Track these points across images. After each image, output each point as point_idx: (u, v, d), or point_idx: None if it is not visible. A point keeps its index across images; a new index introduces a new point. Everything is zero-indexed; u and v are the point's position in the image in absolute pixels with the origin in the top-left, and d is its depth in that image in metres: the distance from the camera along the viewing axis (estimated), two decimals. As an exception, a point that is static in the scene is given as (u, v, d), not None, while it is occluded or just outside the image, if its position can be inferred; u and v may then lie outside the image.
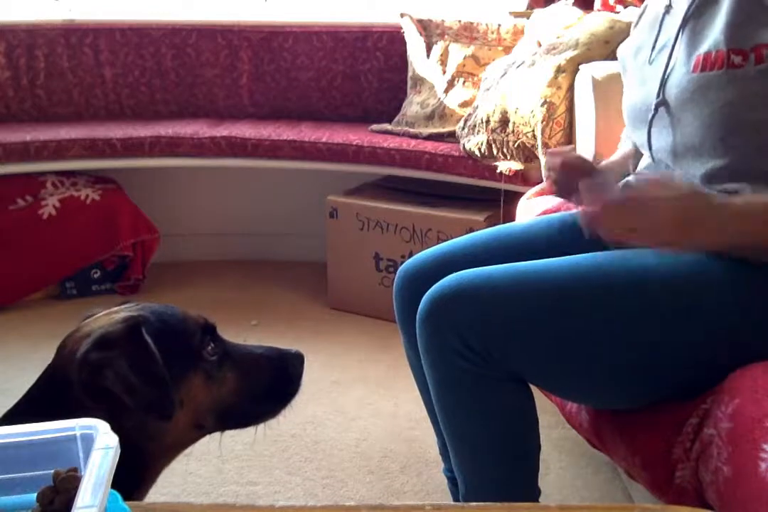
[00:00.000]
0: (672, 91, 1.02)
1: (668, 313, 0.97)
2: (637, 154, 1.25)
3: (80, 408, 0.69)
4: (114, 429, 0.57)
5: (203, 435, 0.86)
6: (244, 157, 2.54)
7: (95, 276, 2.60)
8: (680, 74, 1.01)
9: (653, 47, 1.10)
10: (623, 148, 1.31)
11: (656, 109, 1.07)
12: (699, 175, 1.02)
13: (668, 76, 1.05)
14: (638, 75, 1.12)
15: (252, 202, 2.94)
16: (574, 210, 1.43)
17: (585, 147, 1.92)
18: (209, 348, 0.82)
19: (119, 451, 0.56)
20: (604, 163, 1.26)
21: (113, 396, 0.73)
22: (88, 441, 0.59)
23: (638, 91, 1.11)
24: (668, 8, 1.10)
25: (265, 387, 0.86)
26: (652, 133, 1.10)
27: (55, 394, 0.76)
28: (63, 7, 2.96)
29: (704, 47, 0.98)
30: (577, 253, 1.09)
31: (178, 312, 0.84)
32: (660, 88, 1.06)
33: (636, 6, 2.18)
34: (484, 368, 1.00)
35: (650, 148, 1.12)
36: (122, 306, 0.85)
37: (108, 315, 0.82)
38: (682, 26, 1.04)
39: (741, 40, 0.94)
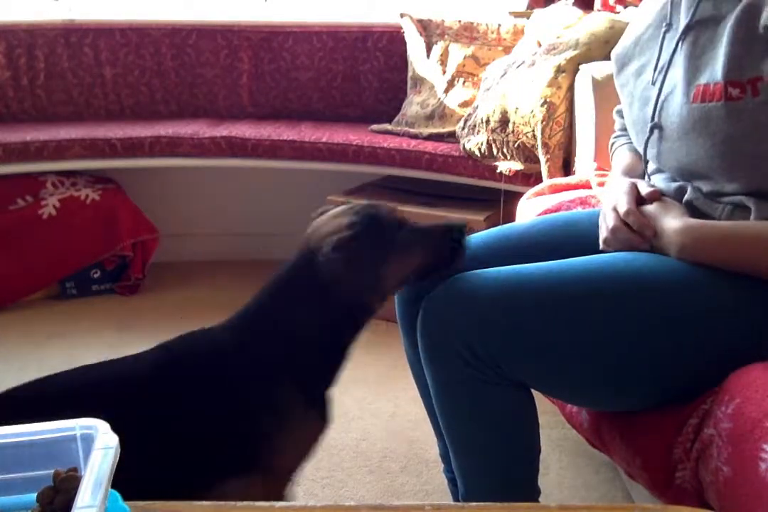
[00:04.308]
0: (673, 119, 1.02)
1: (669, 316, 0.97)
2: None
3: (323, 291, 1.02)
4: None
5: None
6: (244, 157, 2.54)
7: (95, 276, 2.61)
8: (680, 103, 1.00)
9: (655, 68, 1.09)
10: (624, 159, 1.27)
11: (651, 131, 1.08)
12: (705, 191, 1.02)
13: (665, 101, 1.05)
14: (641, 95, 1.11)
15: (252, 202, 2.95)
16: (574, 209, 1.43)
17: (585, 147, 1.92)
18: (401, 234, 1.05)
19: (119, 451, 0.56)
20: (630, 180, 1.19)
21: (345, 282, 1.02)
22: (88, 441, 0.59)
23: (641, 112, 1.11)
24: (668, 27, 1.09)
25: (443, 253, 1.07)
26: (652, 153, 1.11)
27: (303, 282, 1.05)
28: (63, 7, 2.96)
29: (704, 78, 0.97)
30: (578, 254, 1.08)
31: (383, 212, 1.07)
32: (654, 112, 1.07)
33: (635, 6, 2.18)
34: (485, 371, 1.00)
35: (656, 162, 1.13)
36: (343, 209, 1.09)
37: (336, 218, 1.06)
38: (678, 47, 1.03)
39: (738, 73, 0.93)
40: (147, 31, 2.81)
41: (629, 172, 1.20)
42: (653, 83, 1.09)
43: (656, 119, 1.06)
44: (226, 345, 1.05)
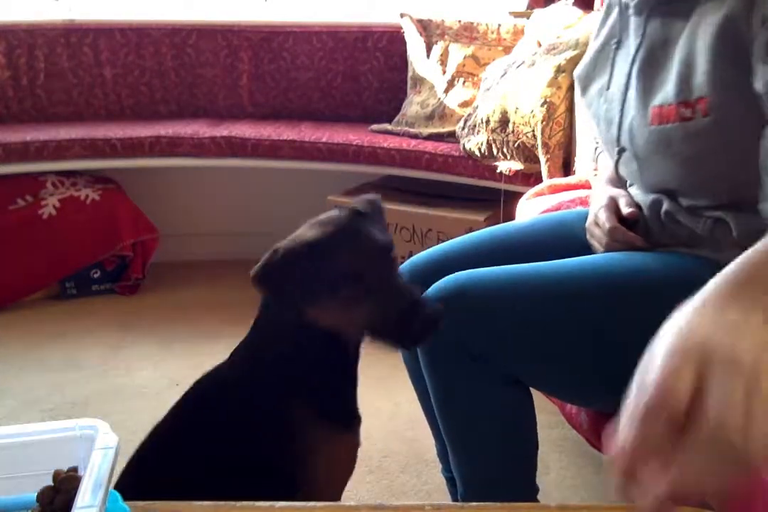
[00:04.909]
0: (636, 141, 1.02)
1: (666, 316, 0.97)
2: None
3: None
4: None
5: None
6: (244, 157, 2.55)
7: (95, 276, 2.60)
8: (641, 125, 1.00)
9: (608, 87, 1.09)
10: (608, 165, 1.24)
11: (619, 154, 1.08)
12: (684, 205, 1.02)
13: (626, 124, 1.04)
14: (605, 116, 1.11)
15: (252, 202, 2.94)
16: (572, 208, 1.43)
17: (585, 147, 1.92)
18: (348, 287, 0.92)
19: (119, 451, 0.56)
20: (609, 193, 1.18)
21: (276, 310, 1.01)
22: (88, 441, 0.59)
23: (607, 134, 1.11)
24: (618, 44, 1.09)
25: (391, 328, 0.94)
26: (625, 172, 1.11)
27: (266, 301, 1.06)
28: (63, 7, 2.96)
29: (658, 99, 0.97)
30: (574, 253, 1.09)
31: (342, 248, 0.93)
32: (618, 135, 1.07)
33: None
34: (482, 369, 1.00)
35: (630, 180, 1.13)
36: (322, 220, 0.99)
37: (301, 234, 0.97)
38: (632, 69, 1.03)
39: (688, 93, 0.93)
40: (147, 31, 2.81)
41: (612, 180, 1.20)
42: (606, 102, 1.09)
43: (621, 142, 1.07)
44: (232, 381, 1.03)
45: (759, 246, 0.54)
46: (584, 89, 1.17)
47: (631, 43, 1.05)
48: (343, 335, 0.97)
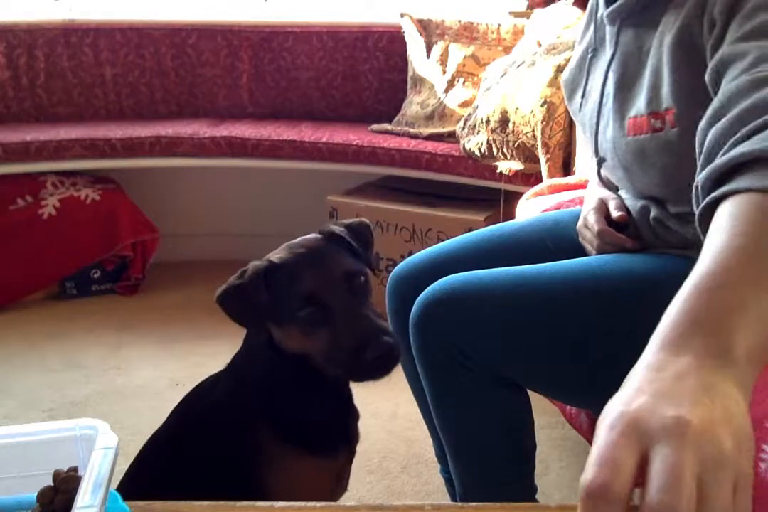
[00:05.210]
0: (617, 151, 1.02)
1: (657, 317, 0.97)
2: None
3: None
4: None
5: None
6: (244, 157, 2.55)
7: (95, 276, 2.61)
8: (619, 136, 1.00)
9: (583, 94, 1.09)
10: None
11: (599, 164, 1.08)
12: (672, 212, 1.02)
13: (603, 134, 1.04)
14: (588, 123, 1.11)
15: (252, 202, 2.95)
16: (570, 208, 1.43)
17: (585, 147, 1.92)
18: (305, 311, 0.91)
19: (119, 451, 0.56)
20: (599, 195, 1.18)
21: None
22: (88, 441, 0.59)
23: (590, 142, 1.11)
24: (594, 52, 1.09)
25: (344, 357, 0.91)
26: (611, 179, 1.11)
27: None
28: (63, 7, 2.96)
29: (633, 110, 0.97)
30: (570, 253, 1.09)
31: (301, 275, 0.92)
32: (596, 145, 1.07)
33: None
34: (477, 371, 1.00)
35: (618, 185, 1.13)
36: (295, 244, 0.99)
37: (279, 252, 0.98)
38: (608, 79, 1.03)
39: (657, 104, 0.93)
40: (147, 31, 2.81)
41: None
42: (579, 109, 1.10)
43: (600, 152, 1.07)
44: (217, 395, 1.03)
45: (694, 280, 0.51)
46: (570, 95, 1.17)
47: (607, 52, 1.05)
48: (312, 361, 0.94)
